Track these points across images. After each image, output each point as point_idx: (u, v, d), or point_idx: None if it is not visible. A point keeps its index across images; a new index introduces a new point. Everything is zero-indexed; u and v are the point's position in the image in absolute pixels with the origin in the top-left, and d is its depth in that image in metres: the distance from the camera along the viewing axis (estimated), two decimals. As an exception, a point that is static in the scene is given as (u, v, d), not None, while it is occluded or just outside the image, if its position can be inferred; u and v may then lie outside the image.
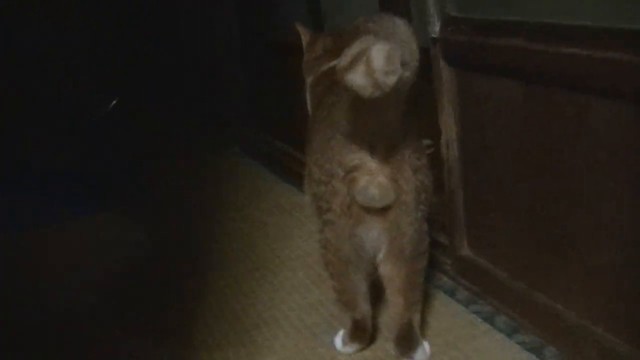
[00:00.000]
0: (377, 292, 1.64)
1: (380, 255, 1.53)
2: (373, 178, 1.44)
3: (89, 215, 2.87)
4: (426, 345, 1.60)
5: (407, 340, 1.56)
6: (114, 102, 3.92)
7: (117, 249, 2.53)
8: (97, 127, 3.85)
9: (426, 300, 1.78)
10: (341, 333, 1.67)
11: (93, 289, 2.21)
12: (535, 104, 1.49)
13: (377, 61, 1.16)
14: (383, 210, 1.47)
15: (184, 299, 2.07)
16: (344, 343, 1.65)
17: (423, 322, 1.69)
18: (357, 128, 1.40)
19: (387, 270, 1.54)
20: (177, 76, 4.29)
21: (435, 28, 1.77)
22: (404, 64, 1.20)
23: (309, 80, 2.00)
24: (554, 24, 1.40)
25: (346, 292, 1.59)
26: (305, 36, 2.08)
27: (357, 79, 1.19)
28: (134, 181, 3.34)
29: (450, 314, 1.77)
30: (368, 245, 1.52)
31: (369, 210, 1.47)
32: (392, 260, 1.52)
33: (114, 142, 3.84)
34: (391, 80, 1.18)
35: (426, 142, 1.76)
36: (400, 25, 1.24)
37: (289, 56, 2.21)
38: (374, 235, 1.51)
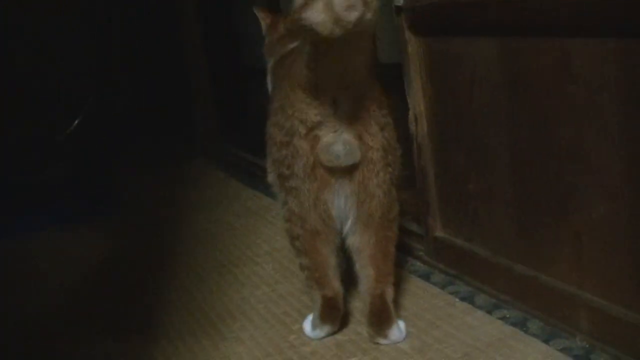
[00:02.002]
0: (348, 278, 1.56)
1: (349, 224, 1.43)
2: (337, 135, 1.35)
3: (57, 224, 2.79)
4: (402, 324, 1.49)
5: (380, 317, 1.45)
6: (77, 121, 3.80)
7: (84, 253, 2.43)
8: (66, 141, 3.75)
9: (401, 284, 1.71)
10: (310, 317, 1.56)
11: (59, 290, 2.13)
12: (512, 58, 1.40)
13: None
14: (349, 171, 1.38)
15: (147, 297, 1.96)
16: (314, 326, 1.53)
17: (400, 305, 1.61)
18: (319, 79, 1.30)
19: (357, 240, 1.44)
20: (145, 92, 4.24)
21: (399, -5, 1.68)
22: (365, 3, 1.11)
23: (270, 62, 1.93)
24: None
25: (316, 267, 1.48)
26: (265, 19, 2.02)
27: (315, 15, 1.12)
28: (103, 190, 3.27)
29: (427, 296, 1.68)
30: (335, 213, 1.42)
31: (334, 172, 1.38)
32: (361, 227, 1.43)
33: (82, 152, 3.75)
34: (353, 15, 1.11)
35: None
36: None
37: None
38: (340, 200, 1.41)
